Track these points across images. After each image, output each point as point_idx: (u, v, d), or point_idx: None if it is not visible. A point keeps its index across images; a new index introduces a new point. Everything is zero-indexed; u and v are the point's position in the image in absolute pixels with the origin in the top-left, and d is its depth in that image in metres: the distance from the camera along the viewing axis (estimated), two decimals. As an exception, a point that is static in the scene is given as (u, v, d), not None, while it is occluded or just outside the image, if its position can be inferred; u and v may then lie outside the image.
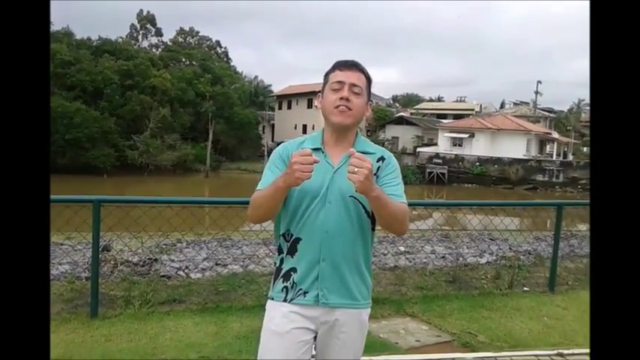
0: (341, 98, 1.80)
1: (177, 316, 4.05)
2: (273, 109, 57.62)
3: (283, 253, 1.87)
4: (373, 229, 1.90)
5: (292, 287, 1.82)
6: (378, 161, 1.87)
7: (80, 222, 4.77)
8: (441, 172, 37.80)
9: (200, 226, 7.18)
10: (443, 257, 6.51)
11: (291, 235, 1.84)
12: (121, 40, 44.06)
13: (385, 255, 6.43)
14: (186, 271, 5.64)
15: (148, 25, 48.66)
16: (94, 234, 4.04)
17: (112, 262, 5.94)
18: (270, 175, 1.83)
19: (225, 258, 6.14)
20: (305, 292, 1.80)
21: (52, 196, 4.65)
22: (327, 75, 1.90)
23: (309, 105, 48.64)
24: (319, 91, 1.94)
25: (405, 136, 45.13)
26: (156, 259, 6.03)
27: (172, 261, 5.96)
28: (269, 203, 1.77)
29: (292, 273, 1.83)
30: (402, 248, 6.85)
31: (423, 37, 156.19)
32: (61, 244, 6.36)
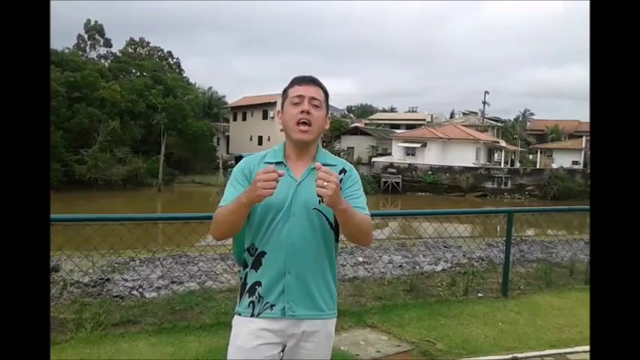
0: (302, 112, 1.83)
1: (132, 338, 3.91)
2: (227, 121, 57.06)
3: (248, 267, 1.88)
4: (337, 240, 1.94)
5: (259, 301, 1.83)
6: (340, 173, 1.90)
7: None
8: (395, 182, 38.52)
9: (154, 243, 6.97)
10: (400, 266, 6.61)
11: (256, 249, 1.85)
12: (67, 50, 42.45)
13: (344, 266, 6.46)
14: (140, 290, 5.45)
15: (97, 36, 47.13)
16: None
17: (61, 284, 5.67)
18: (232, 192, 1.84)
19: (181, 275, 5.99)
20: (272, 305, 1.82)
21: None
22: (285, 91, 1.93)
23: (265, 116, 48.56)
24: (278, 110, 1.96)
25: (360, 146, 45.80)
26: (108, 279, 5.81)
27: (126, 280, 5.76)
28: (232, 219, 1.77)
29: (257, 287, 1.84)
30: (360, 259, 6.92)
31: (376, 48, 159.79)
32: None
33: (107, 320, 4.19)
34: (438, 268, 6.53)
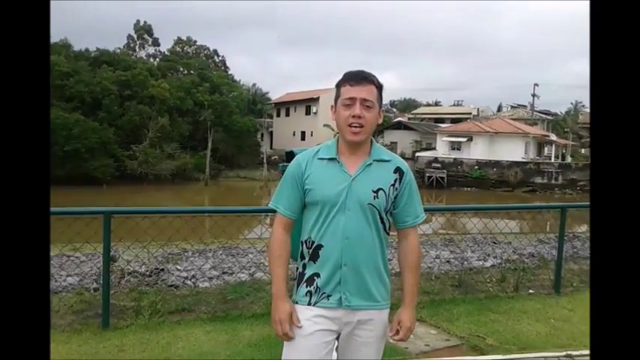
0: (353, 116, 1.86)
1: (188, 326, 4.08)
2: (271, 117, 57.74)
3: (305, 259, 1.95)
4: (387, 233, 1.99)
5: (316, 291, 1.91)
6: (395, 172, 1.95)
7: (86, 234, 4.80)
8: (440, 177, 37.87)
9: (207, 235, 7.21)
10: (448, 262, 6.55)
11: (313, 242, 1.92)
12: (118, 50, 44.15)
13: (391, 260, 6.44)
14: (193, 280, 5.67)
15: (145, 36, 48.80)
16: (104, 245, 4.07)
17: (119, 273, 5.97)
18: (282, 194, 1.96)
19: (232, 266, 6.17)
20: (328, 296, 1.89)
21: (62, 209, 4.68)
22: (338, 87, 1.95)
23: (307, 112, 48.79)
24: (332, 105, 2.00)
25: (404, 140, 45.29)
26: (163, 269, 6.06)
27: (180, 270, 5.99)
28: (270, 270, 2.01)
29: (316, 278, 1.91)
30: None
31: (420, 41, 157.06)
32: (69, 256, 6.40)
33: (163, 308, 4.40)
34: (487, 263, 6.42)
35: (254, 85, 66.81)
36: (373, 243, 1.91)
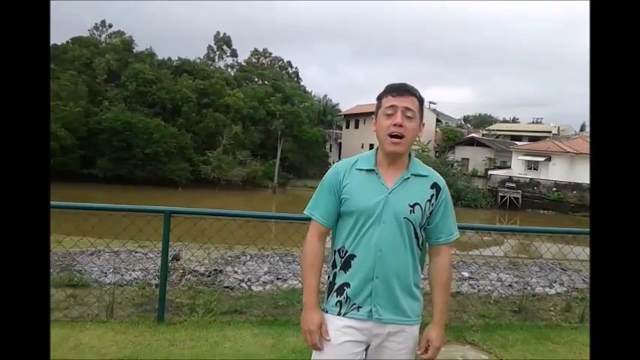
0: (394, 124, 1.85)
1: (237, 327, 4.18)
2: (340, 128, 58.13)
3: (337, 268, 1.95)
4: (420, 249, 1.96)
5: (346, 302, 1.90)
6: (432, 188, 1.93)
7: (152, 231, 5.07)
8: (514, 197, 36.22)
9: (262, 240, 7.38)
10: (509, 286, 6.23)
11: (346, 252, 1.92)
12: (198, 60, 46.58)
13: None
14: (248, 283, 5.81)
15: (224, 47, 51.13)
16: (163, 243, 4.28)
17: (181, 271, 6.24)
18: (319, 201, 1.98)
19: (286, 273, 6.26)
20: (359, 307, 1.88)
21: (125, 206, 4.98)
22: (379, 99, 1.95)
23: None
24: (373, 117, 1.99)
25: (476, 157, 43.79)
26: (221, 270, 6.26)
27: (236, 273, 6.17)
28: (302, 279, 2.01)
29: (345, 288, 1.91)
30: (465, 274, 6.65)
31: (499, 54, 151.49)
32: (135, 252, 6.78)
33: (217, 308, 4.54)
34: (552, 291, 6.04)
35: (325, 96, 67.71)
36: (406, 257, 1.89)
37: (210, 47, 51.37)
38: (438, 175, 2.00)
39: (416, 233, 1.90)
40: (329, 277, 2.00)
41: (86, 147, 34.09)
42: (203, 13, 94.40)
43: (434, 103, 56.84)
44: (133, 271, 6.06)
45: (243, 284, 5.75)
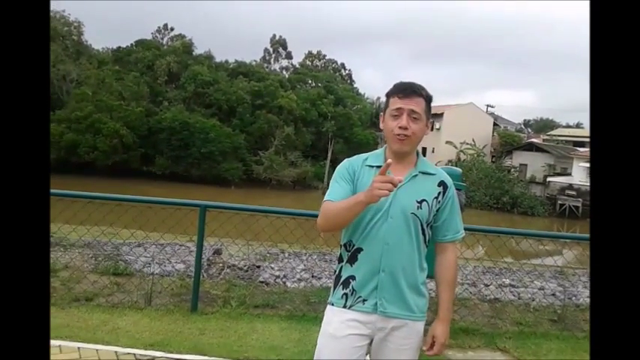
0: (400, 127, 1.87)
1: (267, 320, 4.28)
2: (393, 131, 57.59)
3: (343, 262, 1.98)
4: (427, 246, 1.96)
5: (352, 294, 1.92)
6: (439, 185, 1.94)
7: (212, 226, 5.23)
8: (574, 205, 34.50)
9: (306, 238, 7.47)
10: (553, 294, 5.98)
11: (353, 245, 1.94)
12: (254, 62, 47.67)
13: (487, 286, 6.10)
14: (284, 279, 5.92)
15: (280, 49, 52.02)
16: (198, 236, 4.45)
17: (220, 265, 6.45)
18: (337, 188, 1.95)
19: (322, 272, 6.32)
20: (364, 300, 1.90)
21: (163, 199, 5.22)
22: (387, 97, 1.97)
23: (430, 128, 47.70)
24: (381, 114, 2.02)
25: (535, 163, 42.02)
26: (258, 266, 6.41)
27: (273, 269, 6.29)
28: (346, 215, 1.85)
29: (351, 280, 1.93)
30: (507, 281, 6.45)
31: (564, 58, 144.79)
32: (181, 245, 7.07)
33: (250, 301, 4.67)
34: (599, 302, 5.73)
35: (378, 98, 66.94)
36: (412, 253, 1.90)
37: (266, 50, 52.48)
38: (445, 174, 2.01)
39: (423, 229, 1.91)
40: (335, 270, 2.03)
41: (146, 145, 35.73)
42: (261, 16, 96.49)
43: (492, 107, 55.22)
44: (176, 263, 6.32)
45: (279, 280, 5.87)
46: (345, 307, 1.92)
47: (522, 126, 71.69)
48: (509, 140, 45.28)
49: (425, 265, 1.97)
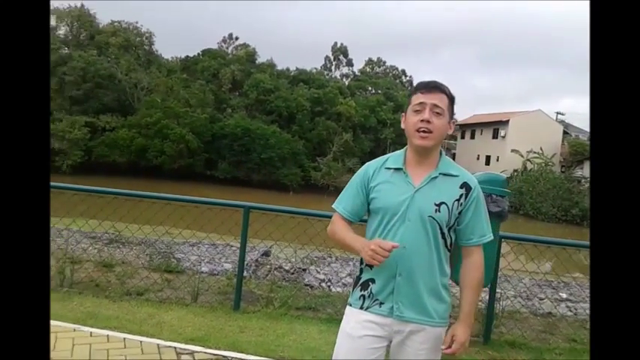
0: (422, 120, 1.84)
1: (306, 322, 4.32)
2: (455, 138, 56.19)
3: (363, 264, 1.98)
4: (448, 250, 1.91)
5: (369, 296, 1.93)
6: (461, 187, 1.89)
7: (259, 227, 5.38)
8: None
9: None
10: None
11: None
12: (315, 70, 48.28)
13: (542, 300, 5.81)
14: (328, 283, 5.94)
15: (341, 57, 52.36)
16: (242, 236, 4.57)
17: (268, 267, 6.58)
18: (347, 196, 2.01)
19: (368, 277, 6.26)
20: (381, 303, 1.90)
21: (208, 199, 5.41)
22: (409, 97, 1.97)
23: (495, 135, 46.11)
24: (403, 114, 2.00)
25: (608, 174, 39.51)
26: (305, 269, 6.47)
27: (318, 272, 6.33)
28: (344, 247, 2.02)
29: (370, 283, 1.94)
30: (563, 295, 6.11)
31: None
32: (231, 246, 7.28)
33: (293, 303, 4.72)
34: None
35: (440, 105, 66.10)
36: (431, 257, 1.87)
37: (327, 57, 53.01)
38: (470, 175, 1.95)
39: (442, 233, 1.86)
40: (357, 273, 2.04)
41: (210, 150, 37.06)
42: (323, 24, 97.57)
43: (562, 114, 52.57)
44: (226, 263, 6.51)
45: (324, 284, 5.89)
46: (362, 308, 1.93)
47: (596, 134, 67.48)
48: (581, 149, 42.79)
49: (447, 270, 1.92)
